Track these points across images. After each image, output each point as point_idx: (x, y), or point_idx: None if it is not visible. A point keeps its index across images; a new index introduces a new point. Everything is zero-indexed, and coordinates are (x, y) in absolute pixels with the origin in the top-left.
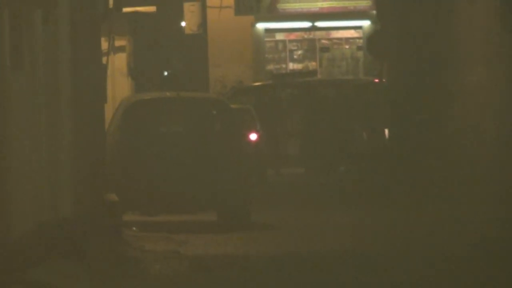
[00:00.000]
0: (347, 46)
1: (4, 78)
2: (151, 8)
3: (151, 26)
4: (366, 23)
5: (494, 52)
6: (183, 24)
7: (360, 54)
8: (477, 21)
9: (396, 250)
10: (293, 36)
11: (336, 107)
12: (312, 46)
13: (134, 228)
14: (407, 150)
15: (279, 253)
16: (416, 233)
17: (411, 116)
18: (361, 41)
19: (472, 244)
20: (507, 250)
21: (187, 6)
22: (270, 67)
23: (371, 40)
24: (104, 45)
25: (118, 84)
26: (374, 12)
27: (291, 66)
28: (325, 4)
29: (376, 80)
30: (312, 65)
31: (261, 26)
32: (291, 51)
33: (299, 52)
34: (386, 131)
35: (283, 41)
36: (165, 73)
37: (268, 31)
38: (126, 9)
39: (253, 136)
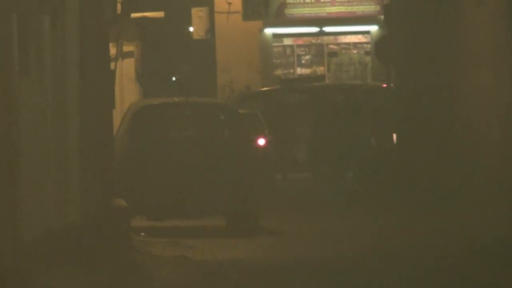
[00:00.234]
0: (355, 51)
1: (12, 84)
2: (159, 14)
3: (159, 31)
4: (374, 28)
5: (501, 56)
6: (191, 29)
7: (368, 59)
8: (484, 25)
9: (406, 254)
10: (301, 41)
11: (344, 112)
12: (320, 51)
13: (142, 234)
14: (415, 155)
15: (287, 258)
16: (426, 237)
17: (419, 121)
18: (369, 46)
19: (481, 247)
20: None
21: (195, 12)
22: (278, 72)
23: (379, 45)
24: (113, 50)
25: (126, 89)
26: (382, 17)
27: (299, 71)
28: (333, 9)
29: (384, 85)
30: (320, 70)
31: (269, 31)
32: (299, 56)
33: (307, 57)
34: (394, 136)
35: (291, 46)
36: (173, 79)
37: (276, 36)
38: (134, 15)
39: (261, 141)
